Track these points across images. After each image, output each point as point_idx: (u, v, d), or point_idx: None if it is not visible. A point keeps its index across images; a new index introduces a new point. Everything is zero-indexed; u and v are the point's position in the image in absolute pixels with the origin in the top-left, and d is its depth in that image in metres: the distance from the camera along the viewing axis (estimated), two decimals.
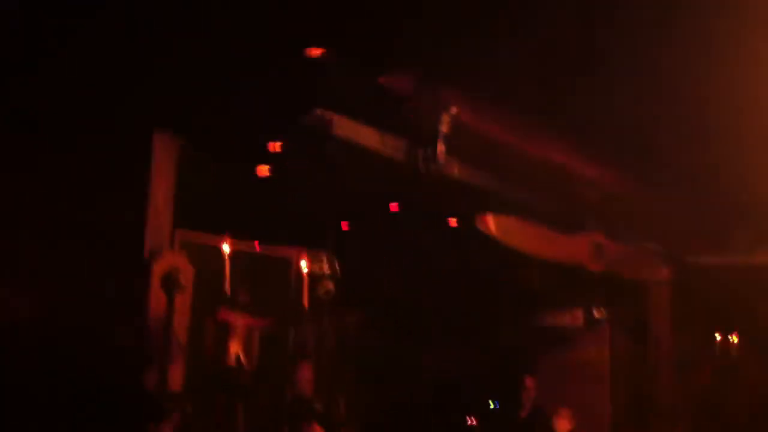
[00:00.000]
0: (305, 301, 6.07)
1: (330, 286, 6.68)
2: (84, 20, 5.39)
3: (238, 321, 5.85)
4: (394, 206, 8.18)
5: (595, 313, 9.67)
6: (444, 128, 7.25)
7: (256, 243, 6.66)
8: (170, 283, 5.58)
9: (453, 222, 8.67)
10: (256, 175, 6.93)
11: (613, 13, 5.93)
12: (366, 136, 7.11)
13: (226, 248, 5.75)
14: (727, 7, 5.63)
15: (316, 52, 6.24)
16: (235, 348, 5.84)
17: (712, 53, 6.19)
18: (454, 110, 7.19)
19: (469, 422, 9.14)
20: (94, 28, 5.46)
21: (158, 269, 5.64)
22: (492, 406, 9.35)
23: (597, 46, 6.36)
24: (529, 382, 8.77)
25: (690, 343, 10.62)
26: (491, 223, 8.20)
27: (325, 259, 6.81)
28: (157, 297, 5.61)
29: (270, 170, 7.07)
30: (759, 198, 8.96)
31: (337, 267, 6.83)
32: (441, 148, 7.32)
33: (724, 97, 6.96)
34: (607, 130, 7.75)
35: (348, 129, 6.94)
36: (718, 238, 10.13)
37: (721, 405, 10.53)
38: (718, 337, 11.06)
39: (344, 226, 8.18)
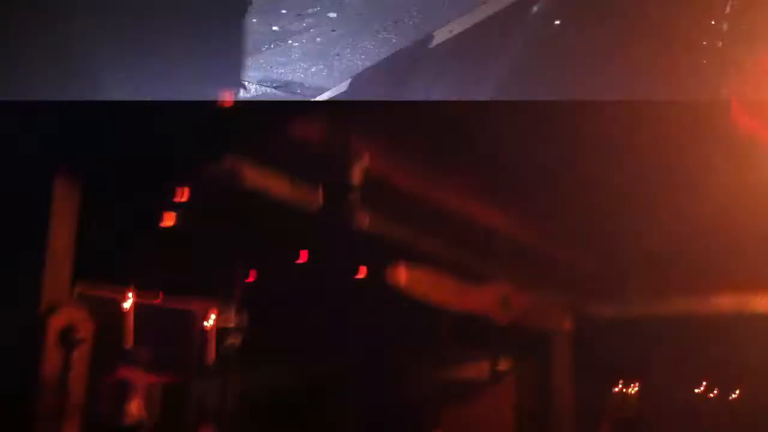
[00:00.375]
0: (210, 356, 5.87)
1: (236, 339, 6.51)
2: None
3: (139, 378, 5.61)
4: (303, 255, 8.09)
5: (501, 365, 9.76)
6: (355, 178, 7.25)
7: (160, 296, 6.44)
8: (68, 338, 5.32)
9: (363, 272, 8.64)
10: (161, 225, 6.73)
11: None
12: (276, 184, 7.04)
13: (127, 302, 5.53)
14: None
15: (228, 101, 6.17)
16: (135, 406, 5.59)
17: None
18: (365, 160, 7.20)
19: None
20: None
21: (55, 324, 5.36)
22: None
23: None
24: None
25: (591, 395, 10.81)
26: (402, 274, 8.22)
27: (231, 312, 6.64)
28: (53, 353, 5.33)
29: (176, 220, 6.89)
30: (657, 252, 9.29)
31: (244, 320, 6.67)
32: (352, 197, 7.31)
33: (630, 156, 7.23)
34: (515, 184, 7.92)
35: (258, 177, 6.86)
36: (618, 290, 10.42)
37: None
38: (617, 388, 11.34)
39: (251, 277, 8.03)
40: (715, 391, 12.14)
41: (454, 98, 7.08)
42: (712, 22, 5.88)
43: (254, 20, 6.48)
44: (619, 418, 10.95)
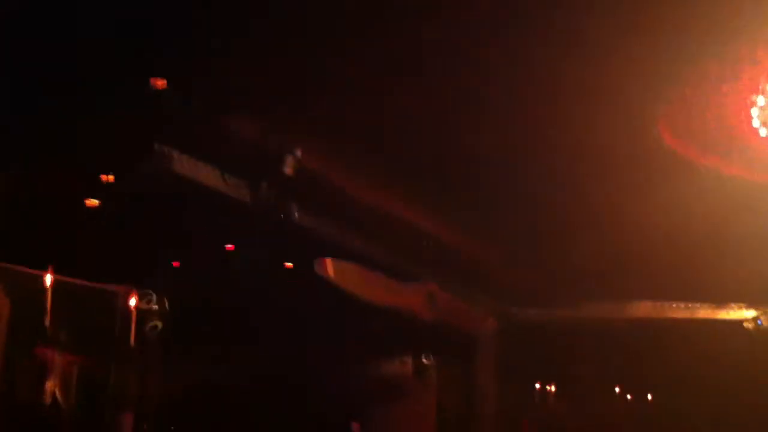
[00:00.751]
0: (131, 338, 5.85)
1: (158, 322, 6.49)
2: None
3: (57, 358, 5.55)
4: (229, 246, 8.11)
5: (424, 361, 9.88)
6: (288, 171, 7.28)
7: (81, 278, 6.37)
8: None
9: (288, 265, 8.68)
10: (85, 207, 6.69)
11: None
12: (206, 174, 7.03)
13: (47, 281, 5.48)
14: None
15: (160, 83, 6.14)
16: (51, 385, 5.53)
17: (547, 109, 6.55)
18: (298, 153, 7.24)
19: None
20: None
21: None
22: None
23: (437, 106, 6.61)
24: (355, 429, 8.79)
25: (512, 393, 11.03)
26: (329, 267, 8.27)
27: (154, 296, 6.61)
28: None
29: (100, 203, 6.85)
30: (583, 256, 9.52)
31: (166, 304, 6.65)
32: (282, 190, 7.35)
33: (552, 157, 7.40)
34: (443, 184, 8.04)
35: (188, 166, 6.84)
36: (542, 293, 10.64)
37: None
38: (537, 386, 11.60)
39: (176, 263, 8.00)
40: (629, 396, 12.51)
41: None
42: None
43: None
44: (539, 420, 11.19)
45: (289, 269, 8.75)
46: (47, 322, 5.47)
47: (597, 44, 5.61)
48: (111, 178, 6.66)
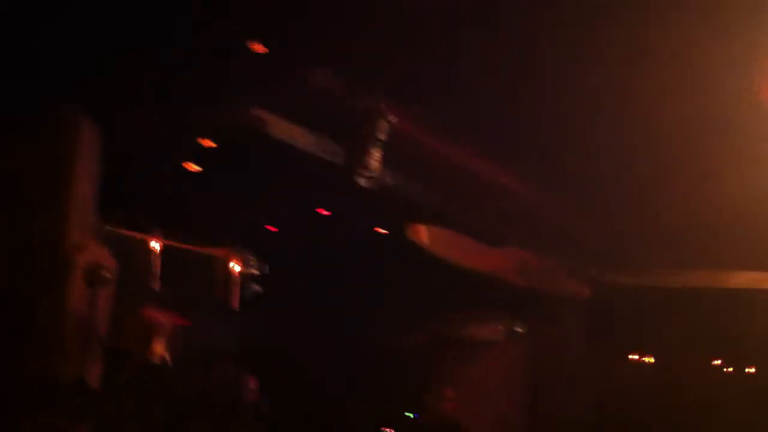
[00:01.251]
0: (235, 301, 5.95)
1: (257, 287, 6.58)
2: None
3: (163, 318, 5.68)
4: (324, 210, 8.15)
5: (516, 327, 9.81)
6: (380, 135, 7.26)
7: (184, 240, 6.50)
8: (93, 277, 5.38)
9: (382, 229, 8.69)
10: (185, 172, 6.79)
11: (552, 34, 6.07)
12: (300, 138, 7.06)
13: (153, 244, 5.59)
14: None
15: (258, 47, 6.16)
16: (158, 346, 5.67)
17: (639, 73, 6.39)
18: (392, 118, 7.20)
19: None
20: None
21: (81, 262, 5.43)
22: (411, 417, 9.36)
23: (532, 69, 6.49)
24: (448, 393, 8.81)
25: (604, 360, 10.87)
26: (421, 233, 8.26)
27: (252, 259, 6.70)
28: (79, 290, 5.40)
29: (200, 167, 6.94)
30: (673, 225, 9.29)
31: (266, 269, 6.74)
32: (376, 155, 7.32)
33: (645, 123, 7.22)
34: (535, 150, 7.92)
35: (282, 130, 6.88)
36: (634, 262, 10.42)
37: (632, 420, 10.80)
38: (630, 356, 11.39)
39: (272, 228, 8.09)
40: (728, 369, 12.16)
41: None
42: None
43: None
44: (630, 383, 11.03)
45: (381, 234, 8.76)
46: (153, 285, 5.58)
47: (695, 16, 5.48)
48: (210, 143, 6.73)
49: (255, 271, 6.59)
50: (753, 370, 11.94)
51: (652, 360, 11.68)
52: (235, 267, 6.02)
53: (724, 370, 12.07)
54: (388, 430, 9.11)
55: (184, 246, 6.35)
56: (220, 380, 6.41)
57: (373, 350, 8.87)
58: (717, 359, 12.02)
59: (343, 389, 8.99)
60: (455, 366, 9.88)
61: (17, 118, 5.74)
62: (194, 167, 6.95)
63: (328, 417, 8.67)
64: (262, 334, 7.14)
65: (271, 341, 7.55)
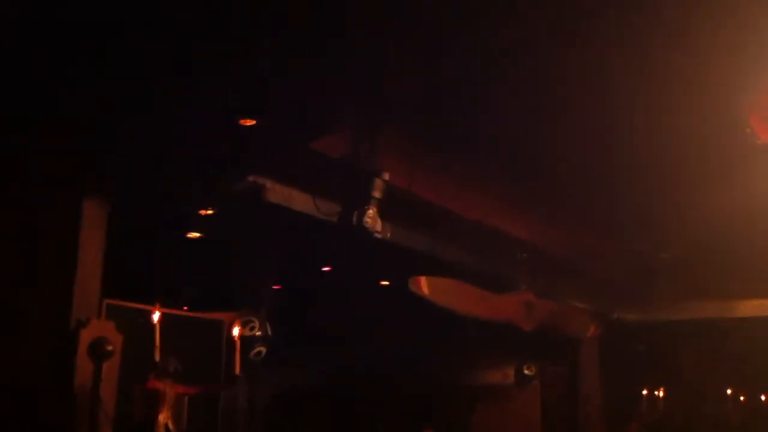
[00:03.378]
0: (237, 366, 6.05)
1: (262, 348, 6.68)
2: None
3: (168, 388, 5.81)
4: (327, 269, 8.27)
5: (526, 371, 9.83)
6: (377, 193, 7.37)
7: (186, 309, 6.64)
8: (97, 351, 5.54)
9: (386, 284, 8.79)
10: (186, 241, 6.95)
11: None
12: (298, 200, 7.20)
13: (155, 316, 5.74)
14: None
15: (248, 122, 6.33)
16: (164, 416, 5.79)
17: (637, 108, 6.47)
18: (386, 176, 7.32)
19: None
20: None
21: (85, 338, 5.59)
22: None
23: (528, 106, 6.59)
24: None
25: (618, 398, 10.83)
26: (423, 285, 8.33)
27: (257, 321, 6.82)
28: (84, 366, 5.55)
29: (201, 234, 7.11)
30: (679, 257, 9.31)
31: (269, 329, 6.85)
32: (373, 212, 7.44)
33: (650, 160, 7.29)
34: (537, 190, 8.00)
35: (281, 194, 7.03)
36: (642, 295, 10.43)
37: None
38: (644, 392, 11.33)
39: (276, 288, 8.22)
40: (741, 398, 12.05)
41: None
42: None
43: None
44: (646, 423, 10.93)
45: (385, 287, 8.85)
46: (158, 355, 5.71)
47: (697, 37, 5.56)
48: (209, 210, 6.90)
49: (259, 333, 6.70)
50: (764, 398, 11.86)
51: (666, 392, 11.62)
52: (239, 331, 6.11)
53: (740, 398, 11.99)
54: None
55: (187, 314, 6.48)
56: None
57: (383, 401, 8.91)
58: (732, 388, 11.95)
59: None
60: (472, 414, 9.90)
61: (23, 195, 5.93)
62: (195, 234, 7.12)
63: None
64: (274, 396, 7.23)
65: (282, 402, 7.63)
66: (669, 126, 6.78)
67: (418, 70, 6.02)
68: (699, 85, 6.20)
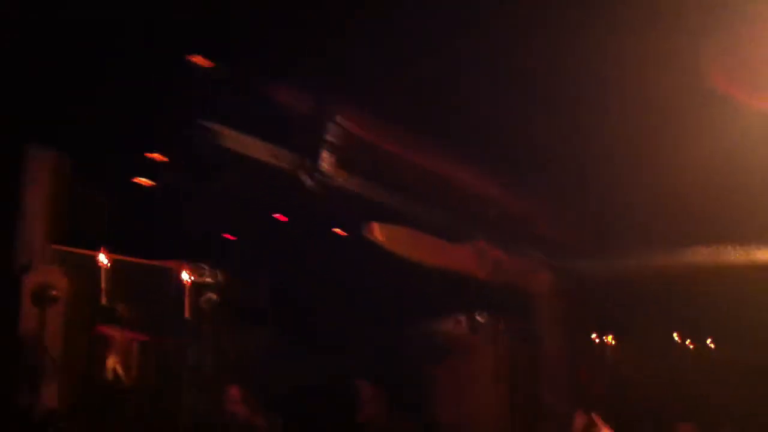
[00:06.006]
0: (186, 312, 6.01)
1: (213, 296, 6.64)
2: None
3: (116, 334, 5.75)
4: (280, 216, 8.20)
5: (479, 319, 9.90)
6: (331, 137, 7.32)
7: (135, 255, 6.55)
8: (42, 297, 5.45)
9: (340, 232, 8.75)
10: (137, 187, 6.84)
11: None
12: (252, 147, 7.11)
13: (102, 260, 5.66)
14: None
15: (202, 61, 6.21)
16: (112, 362, 5.73)
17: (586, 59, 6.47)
18: (340, 120, 7.26)
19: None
20: None
21: (30, 284, 5.49)
22: None
23: (485, 60, 6.56)
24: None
25: (570, 346, 10.97)
26: (379, 232, 8.31)
27: (207, 269, 6.76)
28: (29, 312, 5.46)
29: (153, 181, 6.99)
30: (635, 206, 9.39)
31: (220, 277, 6.80)
32: (328, 158, 7.39)
33: (597, 107, 7.31)
34: (489, 141, 7.99)
35: (234, 140, 6.93)
36: (594, 244, 10.53)
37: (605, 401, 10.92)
38: (595, 338, 11.55)
39: (228, 236, 8.14)
40: (689, 345, 12.37)
41: None
42: None
43: None
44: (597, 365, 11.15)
45: (339, 235, 8.82)
46: (105, 301, 5.64)
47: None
48: (161, 156, 6.79)
49: (210, 281, 6.64)
50: (711, 344, 12.20)
51: (620, 342, 11.85)
52: (188, 278, 6.06)
53: (686, 345, 12.30)
54: None
55: (136, 260, 6.40)
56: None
57: (340, 358, 8.91)
58: (680, 335, 12.25)
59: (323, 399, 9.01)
60: (429, 366, 9.97)
61: None
62: (147, 182, 7.00)
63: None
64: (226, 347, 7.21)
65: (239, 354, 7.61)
66: (624, 81, 6.80)
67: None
68: (657, 41, 6.22)
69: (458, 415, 9.64)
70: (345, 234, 8.81)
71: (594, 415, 6.82)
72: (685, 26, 5.96)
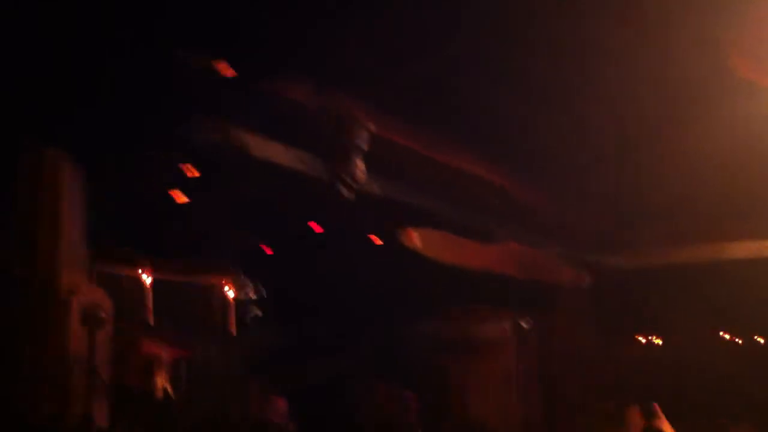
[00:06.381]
0: (232, 327, 5.95)
1: (256, 311, 6.58)
2: None
3: (163, 352, 5.68)
4: (316, 226, 8.13)
5: (520, 321, 9.83)
6: (361, 144, 7.25)
7: (178, 271, 6.50)
8: (90, 318, 5.38)
9: (376, 239, 8.68)
10: (173, 202, 6.78)
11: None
12: (283, 155, 7.05)
13: (146, 279, 5.59)
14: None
15: (226, 69, 6.16)
16: (160, 380, 5.67)
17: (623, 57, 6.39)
18: (371, 126, 7.19)
19: None
20: None
21: (77, 306, 5.43)
22: None
23: (510, 62, 6.49)
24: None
25: (600, 343, 10.86)
26: (414, 237, 8.25)
27: (249, 283, 6.70)
28: (77, 334, 5.40)
29: (187, 196, 6.93)
30: (660, 200, 9.29)
31: (263, 291, 6.74)
32: (360, 164, 7.31)
33: (620, 105, 7.23)
34: (517, 141, 7.92)
35: (264, 149, 6.87)
36: (623, 241, 10.44)
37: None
38: (634, 336, 11.41)
39: (267, 249, 8.07)
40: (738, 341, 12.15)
41: None
42: None
43: None
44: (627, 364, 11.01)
45: (376, 242, 8.75)
46: (151, 320, 5.58)
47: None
48: (194, 171, 6.73)
49: (252, 295, 6.58)
50: (759, 338, 11.99)
51: (658, 338, 11.71)
52: (231, 292, 5.99)
53: (729, 340, 12.11)
54: None
55: (178, 277, 6.34)
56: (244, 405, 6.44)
57: (383, 358, 8.85)
58: (721, 331, 12.05)
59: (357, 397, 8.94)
60: (466, 366, 9.89)
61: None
62: (181, 197, 6.94)
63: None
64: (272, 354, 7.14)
65: (281, 359, 7.54)
66: (646, 68, 6.71)
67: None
68: (677, 24, 6.13)
69: (485, 412, 9.55)
70: (381, 241, 8.74)
71: (654, 405, 6.68)
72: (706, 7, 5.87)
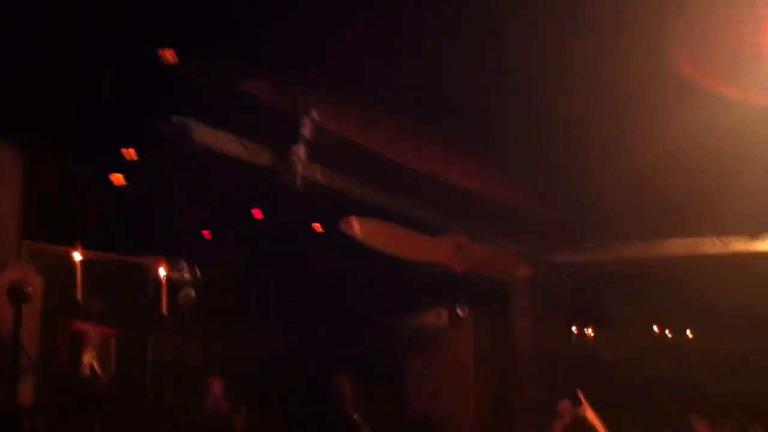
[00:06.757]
0: (164, 309, 5.97)
1: (191, 292, 6.60)
2: None
3: (92, 330, 5.70)
4: (257, 212, 8.18)
5: (459, 312, 9.93)
6: (305, 132, 7.30)
7: (111, 252, 6.51)
8: (17, 294, 5.38)
9: (317, 227, 8.74)
10: (110, 183, 6.80)
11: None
12: (226, 142, 7.08)
13: (77, 257, 5.60)
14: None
15: (170, 55, 6.18)
16: (88, 358, 5.69)
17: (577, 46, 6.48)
18: (315, 114, 7.24)
19: None
20: None
21: (3, 281, 5.43)
22: None
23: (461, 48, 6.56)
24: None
25: (550, 337, 11.03)
26: (356, 227, 8.30)
27: (185, 266, 6.73)
28: (3, 310, 5.40)
29: (125, 178, 6.95)
30: (609, 197, 9.46)
31: (199, 274, 6.76)
32: (303, 152, 7.36)
33: (573, 101, 7.34)
34: (466, 133, 8.00)
35: (207, 135, 6.90)
36: (572, 237, 10.59)
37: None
38: (574, 330, 11.61)
39: (206, 234, 8.11)
40: (668, 334, 12.45)
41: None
42: None
43: None
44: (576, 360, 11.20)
45: (316, 230, 8.80)
46: (80, 297, 5.59)
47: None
48: (133, 153, 6.75)
49: (188, 277, 6.61)
50: (690, 334, 12.29)
51: (600, 333, 11.92)
52: (164, 274, 6.02)
53: (665, 334, 12.39)
54: None
55: (110, 257, 6.35)
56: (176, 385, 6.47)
57: (319, 351, 8.90)
58: (660, 326, 12.33)
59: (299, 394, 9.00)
60: (406, 358, 9.98)
61: None
62: (120, 180, 6.96)
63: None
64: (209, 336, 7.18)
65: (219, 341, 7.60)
66: (593, 69, 6.82)
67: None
68: (625, 27, 6.24)
69: (436, 408, 9.66)
70: (322, 230, 8.80)
71: (579, 393, 6.82)
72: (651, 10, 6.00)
